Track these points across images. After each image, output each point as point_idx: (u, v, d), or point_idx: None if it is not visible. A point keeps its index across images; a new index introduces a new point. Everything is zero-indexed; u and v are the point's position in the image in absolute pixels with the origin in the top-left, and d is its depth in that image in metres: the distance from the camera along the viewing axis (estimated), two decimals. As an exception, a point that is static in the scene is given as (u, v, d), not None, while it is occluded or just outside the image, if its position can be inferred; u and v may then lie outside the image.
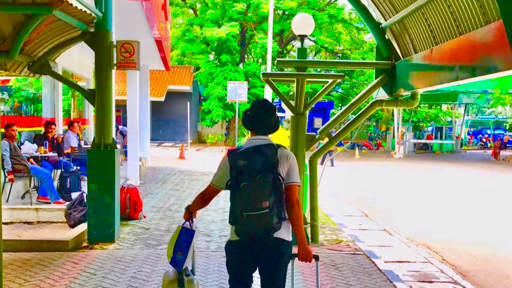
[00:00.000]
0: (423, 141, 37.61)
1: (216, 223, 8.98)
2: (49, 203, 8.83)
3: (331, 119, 8.09)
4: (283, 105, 13.82)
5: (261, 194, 3.22)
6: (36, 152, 9.72)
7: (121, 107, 20.77)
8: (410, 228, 9.69)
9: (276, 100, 24.71)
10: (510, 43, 3.88)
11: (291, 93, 31.12)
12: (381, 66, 7.75)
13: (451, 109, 39.60)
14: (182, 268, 3.83)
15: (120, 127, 18.17)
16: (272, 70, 21.47)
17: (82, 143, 11.83)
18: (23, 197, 9.26)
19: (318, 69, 29.37)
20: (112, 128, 7.80)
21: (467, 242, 8.88)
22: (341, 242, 7.93)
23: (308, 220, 7.78)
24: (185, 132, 31.80)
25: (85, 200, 7.96)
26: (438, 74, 5.98)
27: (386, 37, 7.73)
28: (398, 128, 31.72)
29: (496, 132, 51.42)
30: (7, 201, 8.72)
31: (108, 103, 7.58)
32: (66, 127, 12.03)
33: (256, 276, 3.55)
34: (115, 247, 7.17)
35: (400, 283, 6.06)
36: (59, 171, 9.97)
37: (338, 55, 38.38)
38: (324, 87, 8.15)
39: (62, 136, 11.30)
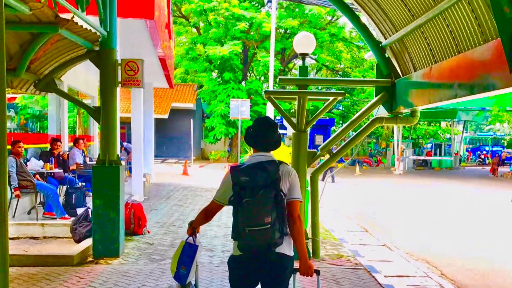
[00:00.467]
0: (422, 157, 37.70)
1: (219, 238, 9.06)
2: (55, 218, 8.91)
3: (332, 136, 8.15)
4: (285, 122, 13.98)
5: (263, 209, 3.26)
6: (42, 168, 9.82)
7: (126, 124, 20.95)
8: (409, 243, 9.74)
9: (278, 117, 24.87)
10: (508, 61, 3.89)
11: (293, 110, 31.29)
12: (381, 84, 7.82)
13: (450, 126, 39.74)
14: (185, 283, 3.87)
15: (125, 144, 18.30)
16: (274, 88, 21.65)
17: (87, 159, 11.93)
18: (29, 212, 9.34)
19: (319, 87, 29.55)
20: (116, 145, 7.86)
21: (466, 256, 8.93)
22: (342, 257, 7.99)
23: (310, 235, 7.85)
24: (188, 149, 31.90)
25: (90, 216, 8.05)
26: (437, 91, 6.02)
27: (386, 55, 7.81)
28: (398, 145, 31.84)
29: (494, 149, 51.68)
30: (14, 216, 8.81)
31: (112, 120, 7.67)
32: (72, 144, 12.13)
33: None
34: (119, 262, 7.24)
35: (401, 298, 6.13)
36: (64, 187, 10.07)
37: (339, 73, 38.61)
38: (325, 105, 8.25)
39: (67, 152, 11.40)
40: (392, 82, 7.68)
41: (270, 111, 20.81)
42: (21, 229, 8.51)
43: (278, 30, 31.39)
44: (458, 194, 19.77)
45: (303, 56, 8.08)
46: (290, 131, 17.75)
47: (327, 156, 8.10)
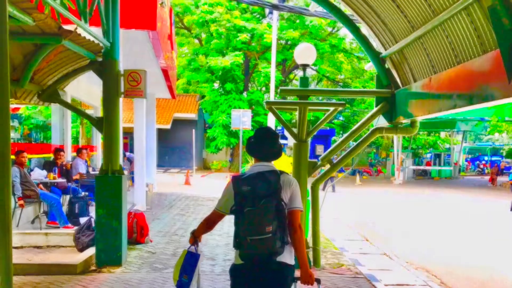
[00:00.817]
0: (422, 167, 37.82)
1: (220, 247, 9.10)
2: (58, 227, 8.92)
3: (333, 146, 8.20)
4: (286, 133, 14.04)
5: (265, 219, 3.29)
6: (45, 178, 9.86)
7: (128, 134, 21.03)
8: (409, 252, 9.78)
9: (279, 128, 24.91)
10: (507, 72, 3.96)
11: (294, 120, 31.30)
12: (381, 94, 7.89)
13: (450, 136, 39.87)
14: (187, 291, 3.94)
15: (127, 153, 18.31)
16: (275, 99, 21.73)
17: (90, 169, 11.96)
18: (33, 222, 9.36)
19: (320, 98, 29.60)
20: (119, 154, 7.92)
21: (465, 265, 8.97)
22: (342, 266, 8.02)
23: (310, 244, 7.87)
24: (190, 159, 31.97)
25: (93, 225, 8.09)
26: (437, 102, 6.06)
27: (386, 66, 7.87)
28: (397, 155, 31.90)
29: (493, 158, 51.79)
30: (17, 226, 8.84)
31: (115, 131, 7.72)
32: (75, 153, 12.17)
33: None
34: (122, 271, 7.28)
35: (401, 306, 6.15)
36: (67, 197, 10.10)
37: (340, 83, 38.63)
38: (325, 115, 8.31)
39: (70, 162, 11.43)
40: (392, 92, 7.74)
41: (271, 122, 20.89)
42: (24, 238, 8.53)
43: (279, 41, 31.48)
44: (457, 204, 19.81)
45: (304, 67, 8.14)
46: (291, 141, 17.76)
47: (328, 166, 8.14)
